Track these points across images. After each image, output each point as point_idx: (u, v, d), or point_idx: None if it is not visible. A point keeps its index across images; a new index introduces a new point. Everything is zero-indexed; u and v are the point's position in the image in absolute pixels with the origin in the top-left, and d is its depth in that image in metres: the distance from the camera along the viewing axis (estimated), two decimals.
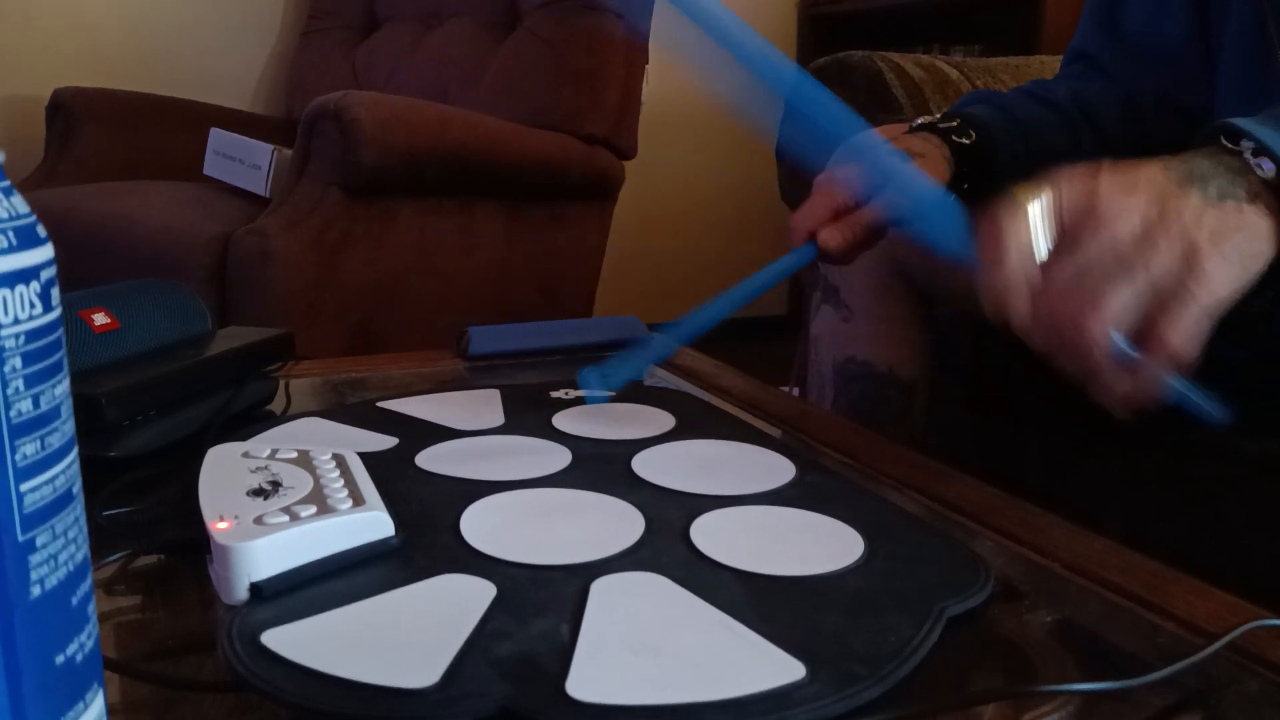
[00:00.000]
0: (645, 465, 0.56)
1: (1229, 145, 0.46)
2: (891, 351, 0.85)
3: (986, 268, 0.45)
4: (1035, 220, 0.44)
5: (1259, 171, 0.45)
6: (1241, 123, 0.47)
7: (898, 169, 0.61)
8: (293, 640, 0.36)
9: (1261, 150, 0.45)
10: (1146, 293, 0.42)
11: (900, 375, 0.85)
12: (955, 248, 0.52)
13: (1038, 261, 0.44)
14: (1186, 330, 0.41)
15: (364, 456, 0.50)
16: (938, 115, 0.72)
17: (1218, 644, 0.39)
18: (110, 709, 0.29)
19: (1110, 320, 0.42)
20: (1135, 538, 0.50)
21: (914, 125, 0.72)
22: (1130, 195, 0.43)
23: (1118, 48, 0.77)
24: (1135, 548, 0.49)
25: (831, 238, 0.63)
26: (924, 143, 0.69)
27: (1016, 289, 0.44)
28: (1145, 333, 0.42)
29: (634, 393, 0.71)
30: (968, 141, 0.70)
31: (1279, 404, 0.49)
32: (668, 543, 0.46)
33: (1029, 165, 0.62)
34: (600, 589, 0.41)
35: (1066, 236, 0.44)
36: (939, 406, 0.86)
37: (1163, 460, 0.73)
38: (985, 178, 0.70)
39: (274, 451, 0.49)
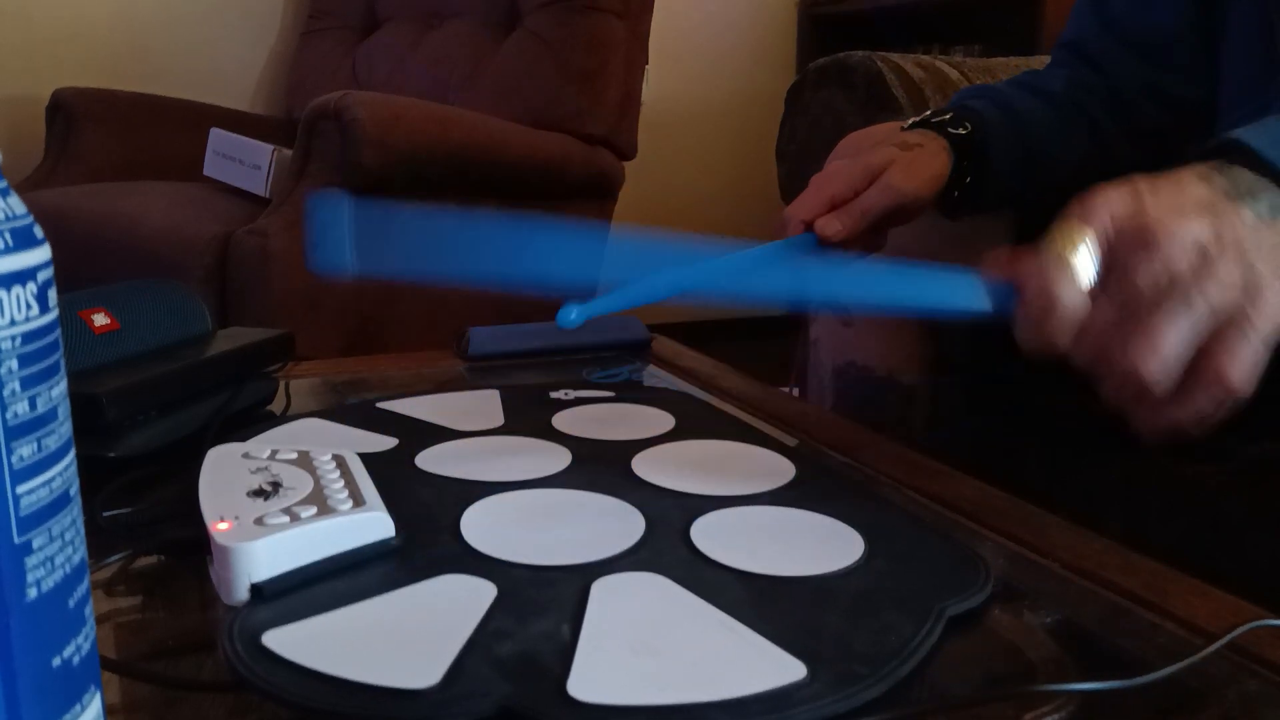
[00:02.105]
0: (645, 465, 0.56)
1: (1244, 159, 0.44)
2: (891, 356, 0.84)
3: (1033, 314, 0.42)
4: (1082, 259, 0.42)
5: None
6: (1244, 137, 0.45)
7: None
8: (293, 640, 0.36)
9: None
10: (1204, 322, 0.39)
11: (900, 380, 0.84)
12: (978, 306, 0.47)
13: (1084, 292, 0.42)
14: (1246, 362, 0.39)
15: (364, 457, 0.50)
16: (930, 112, 0.71)
17: (1218, 644, 0.39)
18: (110, 709, 0.29)
19: (1166, 354, 0.39)
20: (1135, 538, 0.50)
21: (910, 124, 0.71)
22: (1182, 218, 0.40)
23: (1106, 35, 0.77)
24: (1135, 548, 0.49)
25: (829, 224, 0.62)
26: (920, 135, 0.68)
27: (1065, 332, 0.42)
28: (1200, 364, 0.40)
29: (634, 393, 0.71)
30: (964, 131, 0.69)
31: (1279, 404, 0.48)
32: (668, 543, 0.46)
33: (1025, 159, 0.60)
34: (601, 589, 0.41)
35: (1116, 265, 0.41)
36: (939, 408, 0.86)
37: (1163, 461, 0.73)
38: (982, 171, 0.69)
39: (274, 452, 0.49)
